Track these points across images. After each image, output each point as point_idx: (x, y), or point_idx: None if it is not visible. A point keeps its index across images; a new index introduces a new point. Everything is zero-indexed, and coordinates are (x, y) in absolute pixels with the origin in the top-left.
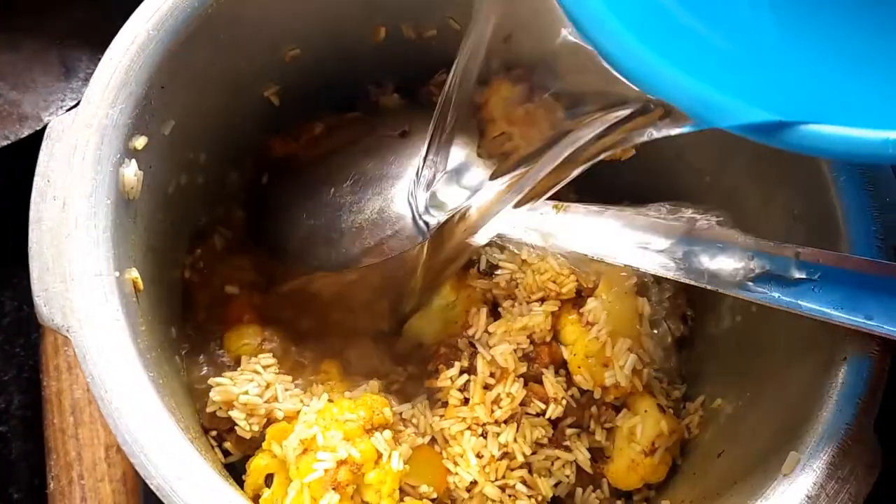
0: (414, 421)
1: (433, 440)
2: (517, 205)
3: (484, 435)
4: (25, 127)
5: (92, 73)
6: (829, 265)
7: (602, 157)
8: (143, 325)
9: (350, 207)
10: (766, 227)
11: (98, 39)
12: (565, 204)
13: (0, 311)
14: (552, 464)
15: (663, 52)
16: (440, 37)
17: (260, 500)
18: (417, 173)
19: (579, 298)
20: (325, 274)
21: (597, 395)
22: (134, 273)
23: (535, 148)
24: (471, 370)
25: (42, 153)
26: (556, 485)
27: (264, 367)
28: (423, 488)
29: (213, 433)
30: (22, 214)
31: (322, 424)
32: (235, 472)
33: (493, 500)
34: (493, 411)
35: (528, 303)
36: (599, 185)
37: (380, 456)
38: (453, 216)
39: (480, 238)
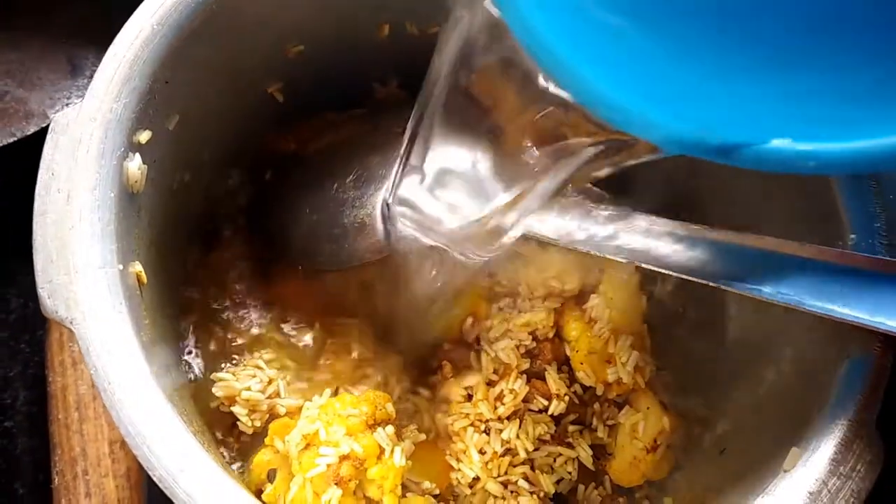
0: (417, 417)
1: (436, 436)
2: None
3: (487, 431)
4: (32, 124)
5: None
6: (831, 262)
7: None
8: (147, 319)
9: (353, 203)
10: (768, 225)
11: (104, 37)
12: (566, 200)
13: (6, 308)
14: (554, 460)
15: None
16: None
17: (262, 496)
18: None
19: (582, 295)
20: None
21: (599, 392)
22: (137, 267)
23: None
24: (474, 367)
25: (47, 146)
26: (558, 481)
27: (266, 363)
28: (426, 484)
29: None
30: (28, 211)
31: (325, 419)
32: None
33: (496, 497)
34: (496, 408)
35: (530, 299)
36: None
37: (382, 451)
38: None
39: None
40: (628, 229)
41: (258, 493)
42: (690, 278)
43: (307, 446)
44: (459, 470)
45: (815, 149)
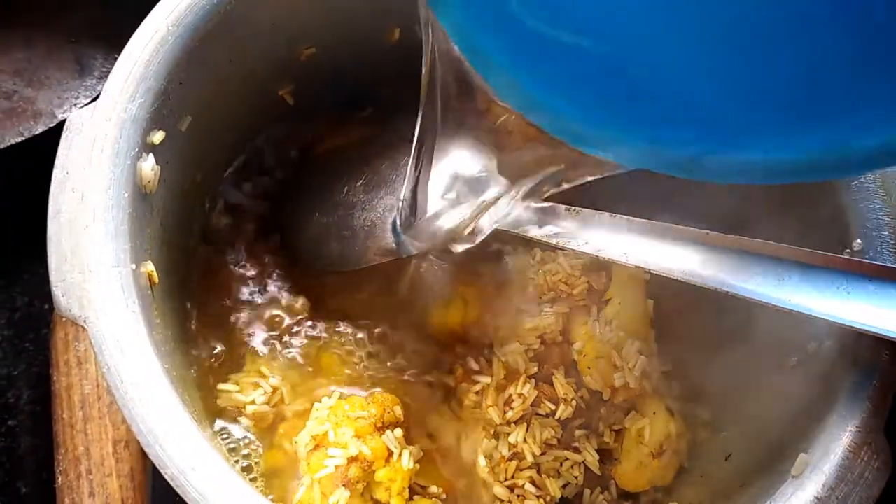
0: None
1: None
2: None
3: (496, 436)
4: (40, 123)
5: (106, 71)
6: (838, 269)
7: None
8: (158, 318)
9: (363, 206)
10: (778, 233)
11: (112, 38)
12: (577, 208)
13: (10, 307)
14: (561, 465)
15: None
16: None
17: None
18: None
19: (590, 300)
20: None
21: (606, 397)
22: (150, 266)
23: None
24: (484, 371)
25: (61, 146)
26: (564, 486)
27: (270, 369)
28: (433, 489)
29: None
30: (35, 211)
31: (334, 421)
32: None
33: (503, 501)
34: (504, 413)
35: (539, 304)
36: (608, 189)
37: (390, 454)
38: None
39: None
40: (638, 235)
41: None
42: (699, 283)
43: (316, 447)
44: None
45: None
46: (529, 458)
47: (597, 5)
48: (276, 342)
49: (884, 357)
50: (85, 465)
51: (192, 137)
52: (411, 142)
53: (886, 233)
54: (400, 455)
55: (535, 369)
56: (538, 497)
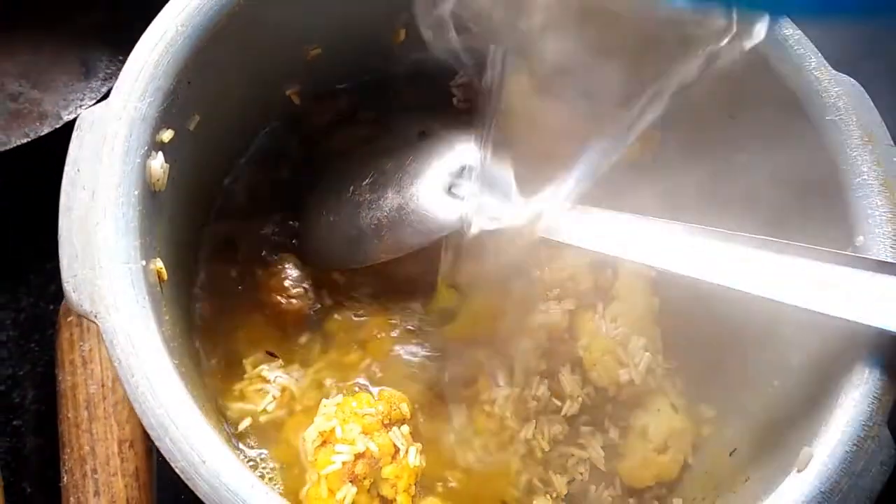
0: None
1: None
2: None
3: (509, 437)
4: (45, 125)
5: (111, 73)
6: (843, 265)
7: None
8: (167, 315)
9: (370, 205)
10: (782, 230)
11: (118, 40)
12: (584, 206)
13: (16, 307)
14: (567, 461)
15: None
16: (461, 40)
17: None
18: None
19: (596, 296)
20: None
21: (611, 393)
22: (159, 263)
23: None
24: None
25: (72, 143)
26: (569, 482)
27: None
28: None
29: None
30: (41, 212)
31: (341, 417)
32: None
33: (513, 497)
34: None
35: (545, 301)
36: (616, 190)
37: (397, 451)
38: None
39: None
40: (643, 232)
41: None
42: (703, 279)
43: (323, 443)
44: None
45: None
46: (539, 454)
47: None
48: (283, 340)
49: (888, 351)
50: (90, 464)
51: (201, 137)
52: (417, 139)
53: (888, 229)
54: (406, 452)
55: (543, 366)
56: (546, 493)
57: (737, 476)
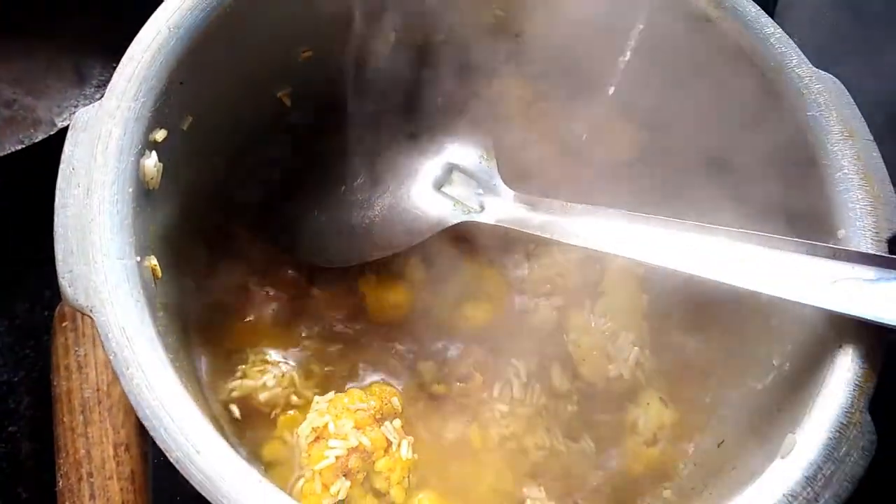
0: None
1: None
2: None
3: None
4: (39, 131)
5: (104, 80)
6: (825, 258)
7: None
8: (161, 311)
9: (361, 204)
10: (763, 223)
11: (111, 47)
12: (570, 203)
13: (10, 314)
14: (559, 454)
15: None
16: (448, 42)
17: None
18: None
19: (584, 293)
20: None
21: (601, 388)
22: (153, 261)
23: None
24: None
25: (67, 142)
26: (562, 474)
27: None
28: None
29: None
30: (36, 219)
31: (334, 413)
32: None
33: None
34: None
35: (534, 297)
36: (606, 187)
37: (389, 444)
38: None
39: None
40: (630, 228)
41: None
42: (687, 272)
43: (317, 439)
44: None
45: None
46: (531, 447)
47: None
48: (277, 336)
49: (868, 340)
50: (86, 468)
51: (194, 137)
52: (407, 139)
53: (869, 221)
54: (399, 445)
55: (534, 362)
56: (538, 485)
57: (725, 465)
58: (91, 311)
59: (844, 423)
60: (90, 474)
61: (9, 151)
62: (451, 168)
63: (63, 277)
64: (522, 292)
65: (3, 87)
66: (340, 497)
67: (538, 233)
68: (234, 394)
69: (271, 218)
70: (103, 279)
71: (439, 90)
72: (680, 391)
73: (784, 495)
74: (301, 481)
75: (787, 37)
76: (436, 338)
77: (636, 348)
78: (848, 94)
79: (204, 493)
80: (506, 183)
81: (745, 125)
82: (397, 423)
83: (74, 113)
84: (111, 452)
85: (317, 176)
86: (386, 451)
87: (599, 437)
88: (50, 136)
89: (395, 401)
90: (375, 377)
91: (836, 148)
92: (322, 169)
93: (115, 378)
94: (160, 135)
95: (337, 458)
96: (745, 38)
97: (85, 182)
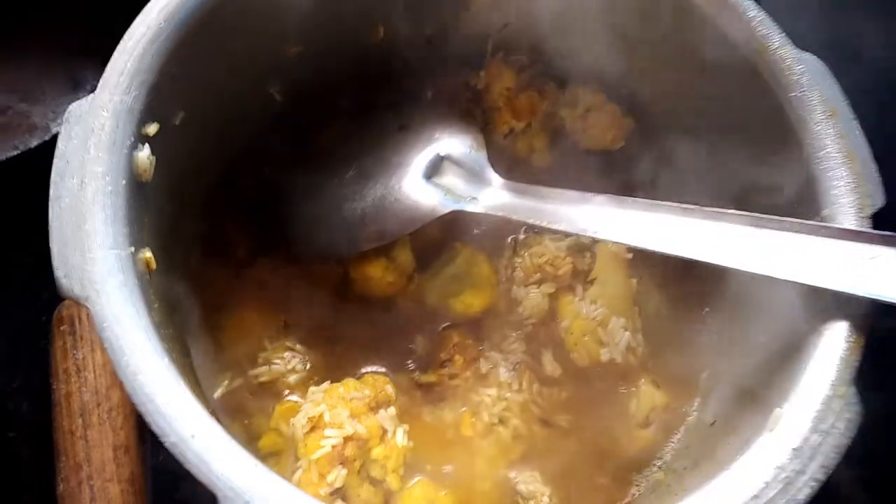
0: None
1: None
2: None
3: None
4: (34, 137)
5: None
6: (810, 234)
7: None
8: (156, 303)
9: (352, 196)
10: (749, 202)
11: (105, 53)
12: (559, 189)
13: (8, 319)
14: (553, 439)
15: None
16: (437, 35)
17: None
18: None
19: (575, 280)
20: None
21: (593, 373)
22: (147, 253)
23: None
24: (479, 361)
25: (61, 135)
26: (556, 459)
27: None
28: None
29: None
30: (33, 224)
31: (329, 402)
32: None
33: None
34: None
35: (526, 285)
36: (594, 175)
37: (385, 432)
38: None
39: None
40: (617, 212)
41: None
42: (674, 254)
43: (313, 429)
44: None
45: None
46: (525, 433)
47: None
48: (269, 328)
49: (852, 314)
50: (86, 471)
51: (186, 131)
52: (398, 132)
53: (852, 198)
54: (394, 433)
55: (525, 348)
56: (532, 471)
57: (716, 443)
58: (86, 300)
59: (830, 395)
60: (90, 477)
61: (3, 157)
62: (441, 158)
63: (58, 268)
64: (513, 280)
65: None
66: (337, 485)
67: (529, 220)
68: (263, 378)
69: (263, 211)
70: (98, 269)
71: (428, 82)
72: (671, 373)
73: (773, 468)
74: (298, 471)
75: (769, 18)
76: (427, 327)
77: (627, 333)
78: (831, 75)
79: (199, 477)
80: (495, 170)
81: (728, 107)
82: (392, 410)
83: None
84: (111, 455)
85: (308, 169)
86: (381, 438)
87: (592, 422)
88: (45, 141)
89: (389, 388)
90: (369, 368)
91: (818, 127)
92: (313, 162)
93: (115, 381)
94: (152, 128)
95: (333, 446)
96: (727, 21)
97: (79, 174)
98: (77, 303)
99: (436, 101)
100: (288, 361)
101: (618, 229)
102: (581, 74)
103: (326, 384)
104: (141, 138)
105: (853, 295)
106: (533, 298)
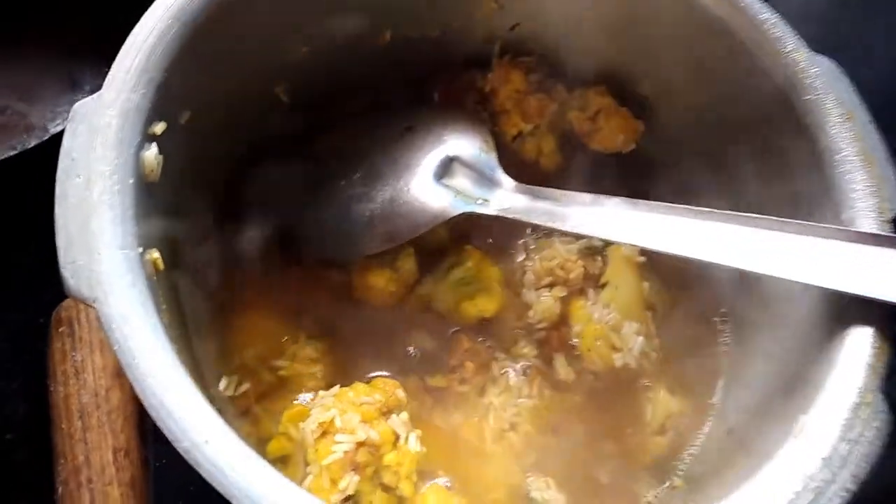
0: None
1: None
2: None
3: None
4: (32, 137)
5: (97, 86)
6: (830, 238)
7: None
8: (164, 304)
9: (360, 198)
10: (767, 206)
11: (104, 52)
12: (568, 192)
13: (6, 320)
14: (566, 444)
15: None
16: (443, 36)
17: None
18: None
19: (586, 283)
20: None
21: (607, 378)
22: (155, 253)
23: None
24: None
25: (66, 134)
26: (569, 466)
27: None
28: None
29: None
30: (32, 226)
31: (340, 407)
32: None
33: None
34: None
35: (537, 289)
36: (604, 178)
37: (397, 437)
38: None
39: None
40: (629, 214)
41: None
42: (691, 257)
43: (323, 434)
44: None
45: None
46: (538, 440)
47: None
48: (277, 331)
49: (877, 320)
50: (85, 474)
51: (193, 131)
52: (405, 133)
53: (872, 202)
54: (407, 438)
55: (537, 353)
56: (545, 477)
57: (736, 451)
58: (94, 302)
59: (857, 402)
60: (90, 480)
61: (1, 158)
62: (450, 160)
63: (65, 269)
64: (524, 284)
65: None
66: (349, 492)
67: (541, 222)
68: (271, 381)
69: (270, 213)
70: (105, 270)
71: (436, 84)
72: (687, 379)
73: (803, 477)
74: (309, 477)
75: (783, 21)
76: (436, 331)
77: (641, 337)
78: (846, 78)
79: (213, 484)
80: (505, 172)
81: (741, 109)
82: (404, 415)
83: (67, 119)
84: (111, 458)
85: (315, 171)
86: (394, 444)
87: (607, 428)
88: (43, 141)
89: (400, 392)
90: (377, 372)
91: (834, 130)
92: (320, 164)
93: (114, 383)
94: (159, 128)
95: (345, 452)
96: (740, 24)
97: (85, 173)
98: (84, 304)
99: (443, 103)
100: (296, 365)
101: (632, 232)
102: (591, 76)
103: (336, 388)
104: (148, 137)
105: (876, 299)
106: (544, 302)
